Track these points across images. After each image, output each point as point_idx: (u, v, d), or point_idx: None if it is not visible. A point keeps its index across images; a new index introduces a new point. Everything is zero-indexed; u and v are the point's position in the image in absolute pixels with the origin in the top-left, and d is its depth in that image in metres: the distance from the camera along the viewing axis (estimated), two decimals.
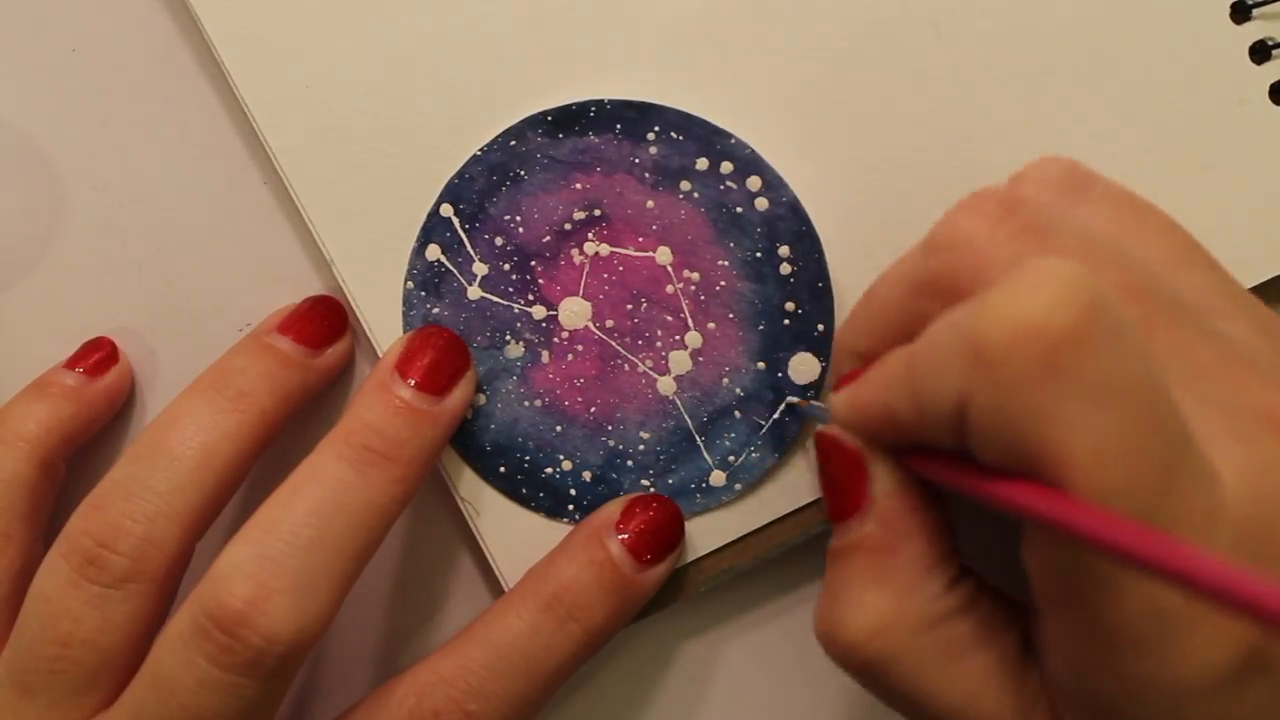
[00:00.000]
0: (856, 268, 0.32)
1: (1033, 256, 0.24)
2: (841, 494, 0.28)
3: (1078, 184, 0.27)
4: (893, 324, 0.27)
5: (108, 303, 0.35)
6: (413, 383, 0.30)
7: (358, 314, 0.33)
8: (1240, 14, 0.33)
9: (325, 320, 0.33)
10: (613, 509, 0.32)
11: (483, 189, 0.33)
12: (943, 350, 0.23)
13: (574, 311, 0.33)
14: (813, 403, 0.32)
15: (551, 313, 0.33)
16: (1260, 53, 0.33)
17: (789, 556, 0.34)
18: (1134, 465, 0.21)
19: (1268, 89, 0.33)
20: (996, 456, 0.22)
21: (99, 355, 0.34)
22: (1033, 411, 0.21)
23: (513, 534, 0.33)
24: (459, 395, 0.31)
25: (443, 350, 0.31)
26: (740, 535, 0.33)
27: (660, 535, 0.32)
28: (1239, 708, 0.22)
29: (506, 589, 0.33)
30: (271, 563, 0.27)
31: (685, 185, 0.33)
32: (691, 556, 0.33)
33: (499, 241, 0.33)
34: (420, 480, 0.30)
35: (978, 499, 0.24)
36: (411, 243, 0.33)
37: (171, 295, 0.35)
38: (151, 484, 0.29)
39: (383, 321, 0.33)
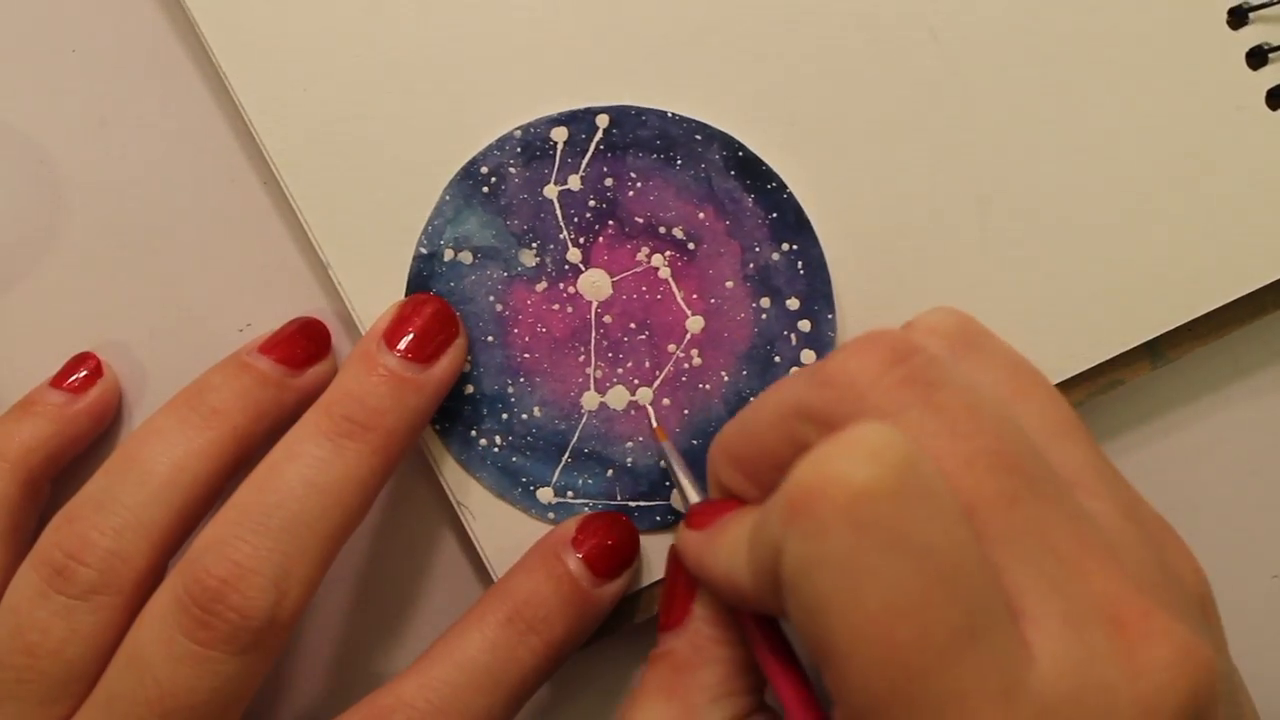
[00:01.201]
0: None
1: (915, 407, 0.24)
2: (671, 606, 0.29)
3: (970, 339, 0.28)
4: (767, 441, 0.27)
5: (106, 303, 0.35)
6: (399, 350, 0.30)
7: (354, 317, 0.33)
8: (1237, 19, 0.33)
9: (306, 342, 0.33)
10: (569, 525, 0.31)
11: (640, 139, 0.33)
12: (772, 504, 0.23)
13: (594, 283, 0.32)
14: (671, 455, 0.32)
15: (580, 267, 0.32)
16: (1257, 57, 0.33)
17: None
18: (925, 625, 0.21)
19: (1264, 94, 0.33)
20: (798, 612, 0.22)
21: (83, 372, 0.34)
22: (830, 560, 0.21)
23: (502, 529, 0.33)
24: (446, 363, 0.31)
25: (431, 319, 0.31)
26: None
27: (616, 552, 0.31)
28: None
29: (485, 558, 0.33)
30: (246, 542, 0.28)
31: (765, 303, 0.32)
32: (648, 580, 0.32)
33: (608, 183, 0.33)
34: (402, 452, 0.30)
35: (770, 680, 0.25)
36: (410, 247, 0.32)
37: (170, 296, 0.35)
38: (121, 498, 0.29)
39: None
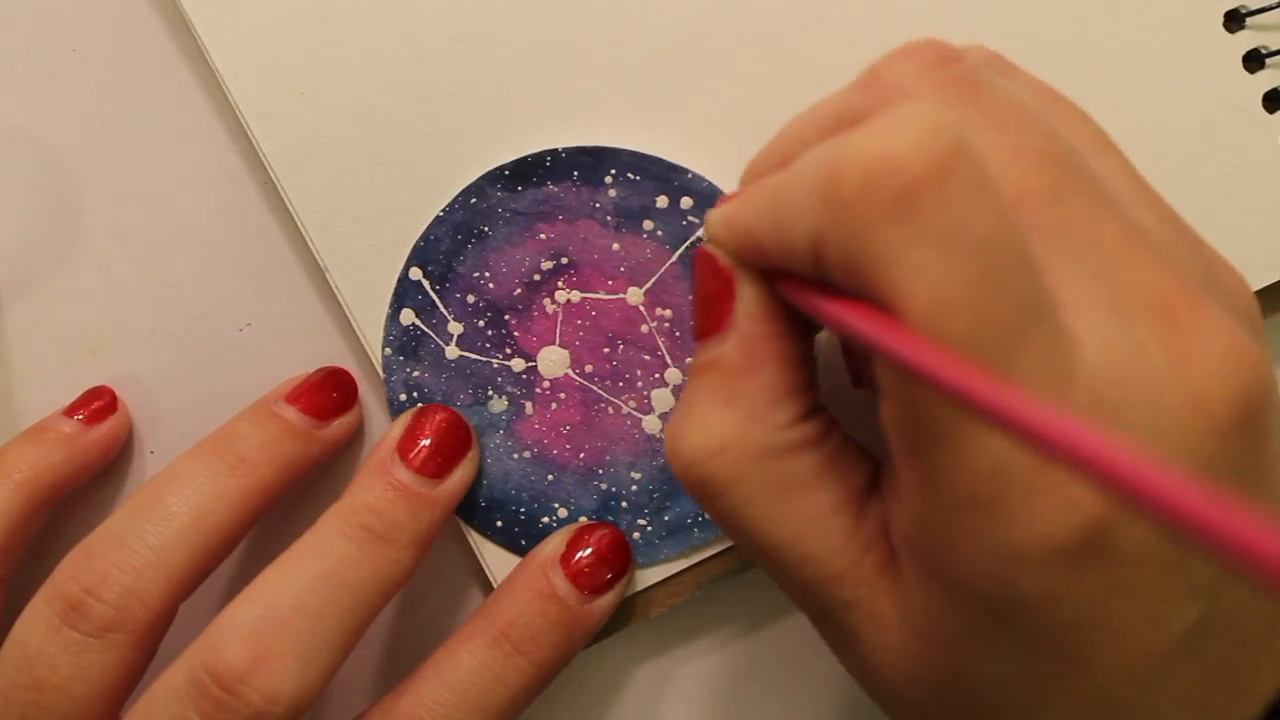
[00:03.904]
0: None
1: (960, 103, 0.24)
2: (707, 311, 0.27)
3: (1004, 64, 0.27)
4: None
5: (107, 303, 0.35)
6: (411, 464, 0.31)
7: (352, 320, 0.33)
8: (1234, 22, 0.33)
9: (334, 392, 0.34)
10: (557, 541, 0.32)
11: (449, 249, 0.33)
12: (804, 183, 0.22)
13: (552, 360, 0.33)
14: None
15: (530, 364, 0.33)
16: (1254, 60, 0.33)
17: (739, 584, 0.35)
18: (976, 319, 0.20)
19: (1261, 97, 0.34)
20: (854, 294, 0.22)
21: (98, 404, 0.34)
22: (879, 254, 0.21)
23: None
24: (458, 477, 0.32)
25: (442, 432, 0.32)
26: (689, 566, 0.34)
27: (605, 566, 0.32)
28: (1071, 591, 0.21)
29: None
30: (277, 625, 0.28)
31: (648, 224, 0.33)
32: (640, 586, 0.34)
33: (471, 299, 0.33)
34: (419, 559, 0.31)
35: (830, 325, 0.23)
36: (406, 249, 0.33)
37: (170, 296, 0.35)
38: (143, 536, 0.29)
39: (375, 327, 0.33)
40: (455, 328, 0.33)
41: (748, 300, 0.26)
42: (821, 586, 0.25)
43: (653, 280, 0.33)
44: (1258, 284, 0.33)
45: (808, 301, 0.24)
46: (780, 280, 0.26)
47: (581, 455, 0.33)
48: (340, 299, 0.33)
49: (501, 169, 0.33)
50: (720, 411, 0.26)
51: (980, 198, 0.20)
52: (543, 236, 0.33)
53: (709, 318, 0.26)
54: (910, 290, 0.20)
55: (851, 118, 0.25)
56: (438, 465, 0.31)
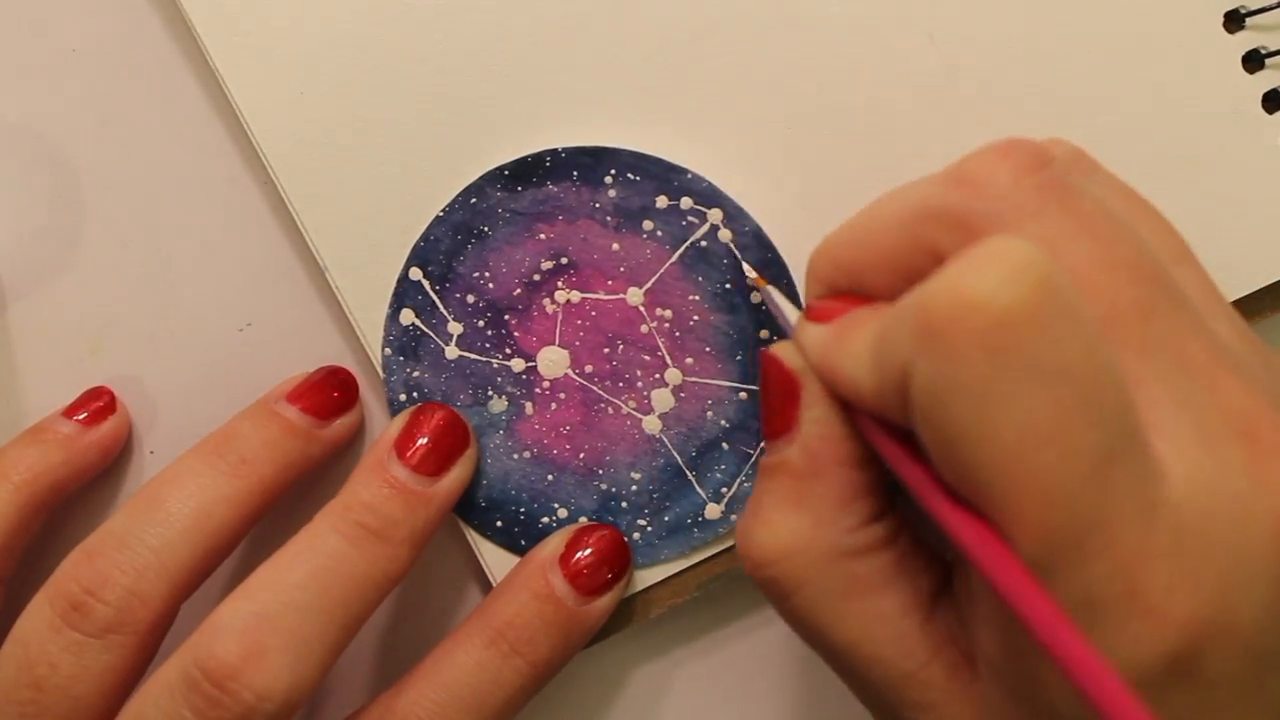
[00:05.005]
0: None
1: (1055, 211, 0.24)
2: (772, 414, 0.27)
3: (1087, 163, 0.28)
4: (887, 244, 0.26)
5: (108, 303, 0.35)
6: (409, 461, 0.31)
7: (351, 320, 0.33)
8: (1233, 23, 0.33)
9: (335, 392, 0.34)
10: (557, 541, 0.32)
11: (449, 249, 0.33)
12: (901, 318, 0.23)
13: (552, 360, 0.33)
14: (772, 292, 0.32)
15: (530, 364, 0.33)
16: (1253, 61, 0.33)
17: (739, 584, 0.35)
18: (1066, 450, 0.21)
19: (1260, 97, 0.33)
20: (933, 436, 0.22)
21: (97, 405, 0.34)
22: (967, 386, 0.21)
23: None
24: (455, 476, 0.32)
25: (440, 431, 0.32)
26: (688, 566, 0.34)
27: (604, 567, 0.32)
28: (1158, 711, 0.22)
29: None
30: (268, 621, 0.28)
31: (648, 224, 0.33)
32: (640, 587, 0.34)
33: (471, 299, 0.33)
34: (415, 557, 0.31)
35: (918, 501, 0.24)
36: (406, 248, 0.33)
37: (172, 296, 0.35)
38: (144, 538, 0.29)
39: (375, 327, 0.33)
40: (455, 328, 0.33)
41: (814, 405, 0.27)
42: (890, 688, 0.26)
43: (652, 280, 0.33)
44: (1257, 284, 0.33)
45: (884, 447, 0.25)
46: (860, 417, 0.26)
47: (581, 455, 0.33)
48: (340, 299, 0.33)
49: (501, 169, 0.33)
50: (788, 515, 0.26)
51: (1070, 327, 0.21)
52: (542, 236, 0.33)
53: (775, 420, 0.27)
54: (1000, 421, 0.21)
55: (948, 216, 0.25)
56: (435, 463, 0.31)
